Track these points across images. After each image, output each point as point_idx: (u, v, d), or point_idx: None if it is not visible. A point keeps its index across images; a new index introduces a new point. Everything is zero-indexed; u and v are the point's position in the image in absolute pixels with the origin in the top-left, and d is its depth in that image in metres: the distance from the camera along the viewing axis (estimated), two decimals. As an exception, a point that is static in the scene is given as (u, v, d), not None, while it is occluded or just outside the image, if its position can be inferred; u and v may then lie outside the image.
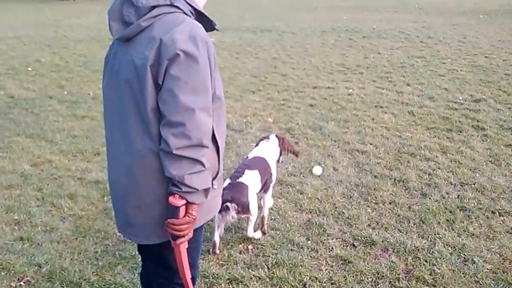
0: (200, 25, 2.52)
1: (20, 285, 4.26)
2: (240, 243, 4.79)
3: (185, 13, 2.51)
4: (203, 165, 2.47)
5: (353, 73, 12.15)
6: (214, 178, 2.66)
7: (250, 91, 10.60)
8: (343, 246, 4.73)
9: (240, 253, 4.65)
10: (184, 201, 2.48)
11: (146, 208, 2.63)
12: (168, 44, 2.38)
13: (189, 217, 2.52)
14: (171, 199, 2.48)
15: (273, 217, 5.26)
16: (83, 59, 14.33)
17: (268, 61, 13.96)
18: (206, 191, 2.55)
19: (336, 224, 5.11)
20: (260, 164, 4.94)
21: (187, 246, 2.66)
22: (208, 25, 2.62)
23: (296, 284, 4.19)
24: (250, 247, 4.73)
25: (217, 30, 2.70)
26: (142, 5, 2.44)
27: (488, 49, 14.67)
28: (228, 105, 9.38)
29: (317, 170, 5.73)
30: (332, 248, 4.68)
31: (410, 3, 30.56)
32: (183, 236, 2.56)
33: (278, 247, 4.71)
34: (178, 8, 2.49)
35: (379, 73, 12.01)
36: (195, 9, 2.58)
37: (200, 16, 2.60)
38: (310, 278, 4.25)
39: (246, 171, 4.75)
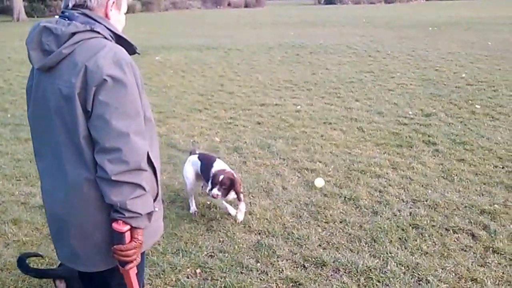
0: (123, 49, 2.56)
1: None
2: (188, 267, 4.73)
3: (105, 38, 2.55)
4: (143, 188, 2.50)
5: (301, 90, 12.26)
6: (154, 200, 2.66)
7: (197, 110, 10.57)
8: (293, 267, 4.71)
9: (188, 277, 4.59)
10: (128, 227, 2.51)
11: (88, 236, 2.63)
12: (94, 70, 2.40)
13: (135, 242, 2.54)
14: (115, 225, 2.50)
15: (221, 239, 5.23)
16: (27, 81, 13.99)
17: (214, 79, 13.98)
18: (150, 214, 2.57)
19: (286, 245, 5.10)
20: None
21: (136, 271, 2.68)
22: (129, 48, 2.65)
23: (246, 308, 4.16)
24: (198, 271, 4.68)
25: (138, 53, 2.74)
26: (62, 33, 2.46)
27: (438, 62, 15.02)
28: (175, 125, 9.38)
29: (319, 182, 6.18)
30: (282, 270, 4.66)
31: (357, 17, 31.08)
32: (131, 261, 2.59)
33: (227, 270, 4.67)
34: (98, 33, 2.53)
35: (327, 89, 12.15)
36: (114, 33, 2.63)
37: (120, 40, 2.64)
38: (260, 302, 4.23)
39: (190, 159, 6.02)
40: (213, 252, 5.00)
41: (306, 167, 7.08)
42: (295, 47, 19.17)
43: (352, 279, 4.50)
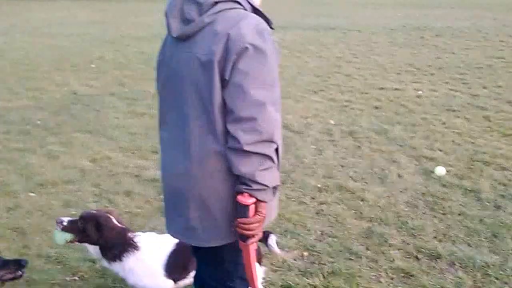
0: (263, 20, 2.59)
1: (75, 279, 4.43)
2: (295, 249, 4.81)
3: (245, 9, 2.59)
4: (272, 160, 2.51)
5: (424, 74, 12.04)
6: None
7: (312, 92, 10.62)
8: (405, 257, 4.68)
9: (294, 260, 4.66)
10: (253, 199, 2.51)
11: (208, 210, 2.67)
12: (236, 39, 2.44)
13: (259, 215, 2.54)
14: (240, 198, 2.51)
15: (331, 224, 5.28)
16: (144, 56, 14.54)
17: (331, 60, 13.95)
18: (275, 188, 2.59)
19: (399, 234, 5.07)
20: None
21: (256, 248, 2.71)
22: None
23: (353, 295, 4.19)
24: (305, 253, 4.75)
25: (273, 29, 2.72)
26: (205, 1, 2.52)
27: None
28: (289, 105, 9.45)
29: (440, 170, 6.22)
30: (393, 259, 4.64)
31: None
32: (253, 236, 2.59)
33: (335, 255, 4.71)
34: (240, 4, 2.58)
35: (452, 74, 11.87)
36: (253, 6, 2.66)
37: (256, 14, 2.66)
38: (368, 290, 4.24)
39: None
40: (321, 236, 5.06)
41: (425, 155, 6.98)
42: (420, 29, 18.78)
43: (468, 274, 4.42)
